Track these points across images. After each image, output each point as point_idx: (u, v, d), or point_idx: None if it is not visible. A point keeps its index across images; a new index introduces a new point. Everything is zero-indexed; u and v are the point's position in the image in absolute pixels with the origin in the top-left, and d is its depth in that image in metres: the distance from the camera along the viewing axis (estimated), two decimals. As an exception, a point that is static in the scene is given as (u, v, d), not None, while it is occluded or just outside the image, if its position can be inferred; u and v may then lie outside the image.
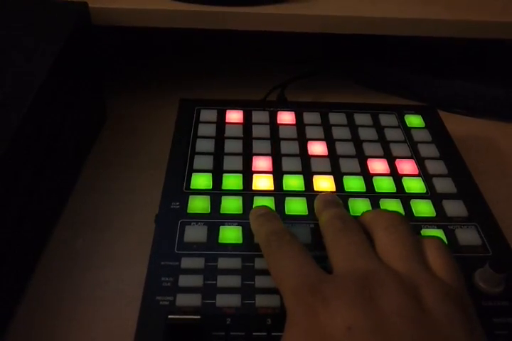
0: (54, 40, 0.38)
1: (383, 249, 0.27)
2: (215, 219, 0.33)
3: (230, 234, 0.32)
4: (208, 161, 0.37)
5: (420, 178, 0.37)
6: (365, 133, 0.41)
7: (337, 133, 0.41)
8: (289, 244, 0.28)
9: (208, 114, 0.42)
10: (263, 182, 0.36)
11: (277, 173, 0.36)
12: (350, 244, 0.27)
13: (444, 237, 0.32)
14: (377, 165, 0.38)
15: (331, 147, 0.39)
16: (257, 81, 0.53)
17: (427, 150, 0.39)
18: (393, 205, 0.34)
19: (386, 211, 0.30)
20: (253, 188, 0.35)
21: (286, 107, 0.43)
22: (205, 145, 0.39)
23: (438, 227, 0.33)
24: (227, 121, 0.41)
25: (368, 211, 0.31)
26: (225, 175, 0.36)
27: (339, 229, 0.28)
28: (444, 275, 0.26)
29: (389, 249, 0.27)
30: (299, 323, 0.24)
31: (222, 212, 0.33)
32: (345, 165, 0.38)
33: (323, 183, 0.36)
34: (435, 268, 0.26)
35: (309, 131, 0.41)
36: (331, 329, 0.22)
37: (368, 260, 0.26)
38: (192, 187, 0.35)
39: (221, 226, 0.32)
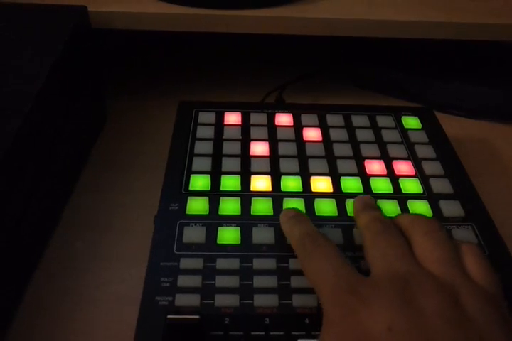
0: (54, 43, 0.38)
1: (422, 253, 0.27)
2: (213, 220, 0.33)
3: (229, 235, 0.32)
4: (206, 163, 0.37)
5: (417, 179, 0.37)
6: (362, 135, 0.41)
7: (334, 134, 0.41)
8: (324, 246, 0.28)
9: (207, 116, 0.42)
10: (261, 183, 0.36)
11: (275, 174, 0.37)
12: (389, 247, 0.27)
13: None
14: (375, 166, 0.38)
15: (328, 148, 0.39)
16: (256, 83, 0.53)
17: (424, 151, 0.40)
18: (390, 206, 0.35)
19: (423, 216, 0.31)
20: (251, 189, 0.36)
21: (284, 109, 0.43)
22: (203, 147, 0.39)
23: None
24: (225, 123, 0.41)
25: (403, 214, 0.32)
26: (224, 177, 0.36)
27: (379, 232, 0.29)
28: (481, 279, 0.26)
29: (427, 254, 0.27)
30: (337, 323, 0.24)
31: (220, 213, 0.34)
32: (342, 166, 0.38)
33: (321, 184, 0.36)
34: (473, 273, 0.26)
35: (307, 133, 0.41)
36: (372, 330, 0.23)
37: (406, 263, 0.26)
38: (191, 188, 0.35)
39: (219, 227, 0.32)
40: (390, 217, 0.31)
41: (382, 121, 0.43)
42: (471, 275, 0.26)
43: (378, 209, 0.32)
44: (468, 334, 0.23)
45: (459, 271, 0.26)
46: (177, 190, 0.35)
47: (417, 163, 0.39)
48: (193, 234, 0.32)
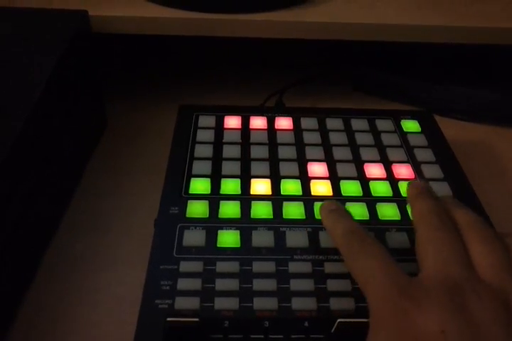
0: (54, 47, 0.38)
1: (477, 258, 0.26)
2: (213, 223, 0.33)
3: (228, 238, 0.32)
4: (206, 166, 0.38)
5: (416, 182, 0.37)
6: (361, 138, 0.41)
7: (334, 138, 0.41)
8: (371, 244, 0.27)
9: (207, 120, 0.42)
10: (261, 187, 0.36)
11: (275, 178, 0.37)
12: (445, 247, 0.26)
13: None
14: (374, 170, 0.38)
15: (328, 152, 0.40)
16: (256, 87, 0.53)
17: (423, 154, 0.40)
18: (390, 209, 0.35)
19: (479, 219, 0.29)
20: (251, 193, 0.36)
21: (284, 113, 0.44)
22: (203, 150, 0.39)
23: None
24: (225, 126, 0.42)
25: (458, 209, 0.30)
26: (224, 180, 0.36)
27: (436, 228, 0.28)
28: None
29: (483, 259, 0.26)
30: (387, 324, 0.24)
31: (220, 216, 0.34)
32: (342, 169, 0.38)
33: (321, 188, 0.36)
34: None
35: (307, 137, 0.41)
36: (425, 331, 0.22)
37: (461, 266, 0.26)
38: (191, 192, 0.36)
39: (219, 231, 0.33)
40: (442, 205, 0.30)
41: (382, 124, 0.43)
42: None
43: (435, 197, 0.30)
44: None
45: (510, 276, 0.25)
46: (177, 194, 0.35)
47: (416, 167, 0.39)
48: (193, 238, 0.32)
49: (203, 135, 0.41)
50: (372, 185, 0.37)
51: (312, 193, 0.36)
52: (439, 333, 0.22)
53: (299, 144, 0.40)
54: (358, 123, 0.43)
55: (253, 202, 0.35)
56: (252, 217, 0.34)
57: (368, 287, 0.26)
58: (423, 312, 0.23)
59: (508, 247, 0.27)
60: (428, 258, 0.26)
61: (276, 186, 0.36)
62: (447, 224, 0.28)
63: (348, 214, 0.30)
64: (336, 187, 0.36)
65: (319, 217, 0.34)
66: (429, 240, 0.27)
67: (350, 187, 0.36)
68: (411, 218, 0.30)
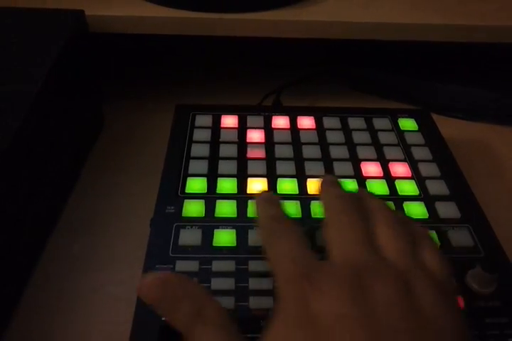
0: (51, 47, 0.38)
1: (383, 241, 0.26)
2: (209, 222, 0.33)
3: (224, 238, 0.32)
4: (202, 166, 0.37)
5: (413, 181, 0.37)
6: (358, 137, 0.41)
7: (331, 137, 0.41)
8: (287, 230, 0.27)
9: (203, 119, 0.42)
10: (257, 186, 0.36)
11: (271, 177, 0.37)
12: (351, 229, 0.26)
13: (436, 238, 0.33)
14: (371, 168, 0.38)
15: (325, 150, 0.39)
16: (253, 86, 0.53)
17: (420, 153, 0.40)
18: (386, 208, 0.35)
19: (389, 205, 0.30)
20: (247, 192, 0.36)
21: (281, 112, 0.44)
22: (200, 149, 0.39)
23: (431, 229, 0.33)
24: (222, 126, 0.42)
25: (369, 195, 0.30)
26: (220, 179, 0.36)
27: (341, 210, 0.28)
28: (436, 272, 0.26)
29: (389, 243, 0.26)
30: (288, 308, 0.24)
31: (216, 215, 0.34)
32: (339, 168, 0.38)
33: (317, 186, 0.36)
34: (429, 266, 0.26)
35: (303, 135, 0.41)
36: (321, 316, 0.22)
37: (366, 249, 0.26)
38: (187, 191, 0.35)
39: (215, 230, 0.33)
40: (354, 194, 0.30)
41: (379, 123, 0.43)
42: (428, 267, 0.26)
43: (342, 186, 0.31)
44: (415, 324, 0.22)
45: (416, 262, 0.26)
46: (173, 193, 0.35)
47: (413, 165, 0.39)
48: (189, 237, 0.32)
49: (199, 134, 0.41)
50: (369, 183, 0.37)
51: (309, 192, 0.36)
52: (335, 318, 0.22)
53: (296, 143, 0.40)
54: (355, 122, 0.43)
55: (249, 201, 0.35)
56: (248, 216, 0.34)
57: (275, 270, 0.25)
58: (321, 295, 0.23)
59: (415, 233, 0.27)
60: (332, 241, 0.26)
61: (272, 185, 0.36)
62: (352, 208, 0.28)
63: (278, 204, 0.30)
64: (332, 186, 0.36)
65: (316, 216, 0.34)
66: (333, 223, 0.27)
67: (347, 186, 0.36)
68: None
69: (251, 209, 0.34)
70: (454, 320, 0.23)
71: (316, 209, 0.34)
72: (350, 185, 0.36)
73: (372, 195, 0.31)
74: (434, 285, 0.24)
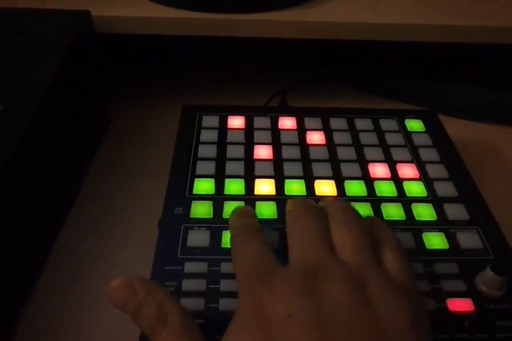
0: (57, 48, 0.38)
1: (338, 241, 0.27)
2: (217, 223, 0.33)
3: (233, 239, 0.32)
4: (210, 167, 0.37)
5: (421, 182, 0.37)
6: (366, 138, 0.41)
7: (338, 138, 0.41)
8: (251, 237, 0.28)
9: (210, 120, 0.42)
10: (265, 187, 0.36)
11: (279, 178, 0.37)
12: (307, 233, 0.28)
13: (445, 241, 0.33)
14: (379, 170, 0.38)
15: (332, 152, 0.39)
16: (259, 87, 0.53)
17: (428, 154, 0.40)
18: (394, 209, 0.35)
19: (347, 205, 0.31)
20: (255, 193, 0.36)
21: (288, 113, 0.43)
22: (207, 150, 0.39)
23: (439, 231, 0.33)
24: (229, 126, 0.41)
25: (331, 202, 0.31)
26: (227, 180, 0.36)
27: (299, 217, 0.29)
28: (394, 270, 0.26)
29: (342, 241, 0.27)
30: (244, 310, 0.24)
31: (224, 216, 0.34)
32: (346, 169, 0.38)
33: (325, 188, 0.36)
34: (386, 264, 0.26)
35: (310, 136, 0.41)
36: (272, 316, 0.23)
37: (320, 250, 0.26)
38: (195, 192, 0.35)
39: (223, 231, 0.32)
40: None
41: (386, 124, 0.43)
42: (384, 265, 0.26)
43: (308, 200, 0.32)
44: (368, 324, 0.23)
45: (371, 260, 0.26)
46: (181, 194, 0.35)
47: (421, 166, 0.39)
48: (198, 238, 0.32)
49: (206, 135, 0.40)
50: (376, 185, 0.37)
51: (316, 193, 0.36)
52: (286, 318, 0.23)
53: (303, 144, 0.40)
54: (362, 123, 0.42)
55: (257, 203, 0.35)
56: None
57: (236, 274, 0.27)
58: (274, 297, 0.24)
59: (378, 234, 0.28)
60: (293, 246, 0.27)
61: (280, 186, 0.36)
62: (311, 213, 0.29)
63: (251, 216, 0.31)
64: (340, 187, 0.36)
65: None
66: (292, 229, 0.28)
67: (355, 187, 0.36)
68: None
69: (259, 211, 0.34)
70: (409, 322, 0.23)
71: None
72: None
73: (337, 202, 0.32)
74: (390, 287, 0.24)
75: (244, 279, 0.26)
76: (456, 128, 0.45)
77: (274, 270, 0.26)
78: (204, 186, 0.36)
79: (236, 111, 0.43)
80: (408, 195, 0.36)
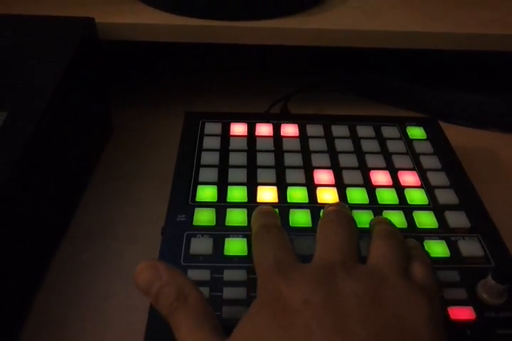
0: (61, 55, 0.38)
1: (372, 250, 0.28)
2: (220, 231, 0.33)
3: (236, 246, 0.32)
4: (213, 174, 0.38)
5: (422, 190, 0.37)
6: (367, 145, 0.41)
7: (340, 145, 0.41)
8: (273, 234, 0.29)
9: (213, 127, 0.42)
10: (267, 194, 0.36)
11: (281, 185, 0.37)
12: (334, 235, 0.28)
13: (446, 249, 0.33)
14: (380, 177, 0.38)
15: (334, 159, 0.40)
16: (261, 94, 0.53)
17: (429, 161, 0.40)
18: (396, 217, 0.35)
19: (390, 222, 0.32)
20: (258, 200, 0.36)
21: (290, 120, 0.44)
22: (210, 157, 0.39)
23: (440, 238, 0.33)
24: (231, 133, 0.42)
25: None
26: (230, 188, 0.36)
27: (331, 220, 0.30)
28: (417, 281, 0.27)
29: (376, 250, 0.28)
30: (262, 299, 0.25)
31: (227, 224, 0.34)
32: (348, 177, 0.38)
33: (327, 195, 0.36)
34: (412, 275, 0.27)
35: (312, 143, 0.41)
36: (289, 302, 0.24)
37: (343, 252, 0.27)
38: (197, 199, 0.36)
39: (226, 239, 0.33)
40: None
41: (387, 131, 0.43)
42: (411, 276, 0.27)
43: (346, 207, 0.33)
44: (383, 314, 0.23)
45: (397, 268, 0.27)
46: (184, 201, 0.35)
47: (422, 174, 0.39)
48: (200, 246, 0.32)
49: (209, 142, 0.41)
50: (378, 192, 0.37)
51: (319, 201, 0.36)
52: (302, 302, 0.24)
53: (305, 151, 0.40)
54: (364, 130, 0.43)
55: (260, 210, 0.35)
56: (259, 224, 0.34)
57: (256, 269, 0.28)
58: (291, 286, 0.25)
59: (407, 247, 0.29)
60: (317, 248, 0.28)
61: (282, 193, 0.36)
62: (344, 218, 0.30)
63: (273, 215, 0.32)
64: (342, 195, 0.36)
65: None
66: (321, 232, 0.29)
67: (357, 195, 0.36)
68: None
69: (261, 218, 0.34)
70: (428, 317, 0.24)
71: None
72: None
73: (384, 221, 0.33)
74: (408, 285, 0.25)
75: (263, 272, 0.27)
76: (457, 135, 0.45)
77: (294, 265, 0.27)
78: (207, 193, 0.36)
79: (238, 118, 0.43)
80: (409, 202, 0.36)
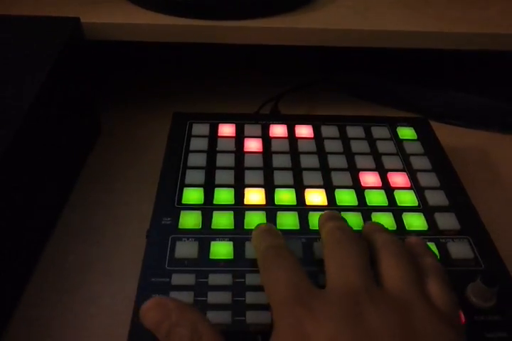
0: (47, 55, 0.38)
1: (384, 271, 0.27)
2: (206, 234, 0.33)
3: (221, 250, 0.32)
4: (199, 175, 0.37)
5: (412, 191, 0.37)
6: (357, 146, 0.41)
7: (329, 146, 0.41)
8: (284, 258, 0.28)
9: (201, 128, 0.42)
10: (255, 196, 0.36)
11: (269, 187, 0.36)
12: (348, 257, 0.27)
13: (436, 250, 0.32)
14: (369, 178, 0.38)
15: (323, 160, 0.39)
16: (250, 94, 0.53)
17: (419, 162, 0.39)
18: (385, 219, 0.34)
19: (394, 236, 0.30)
20: (245, 203, 0.35)
21: (279, 120, 0.43)
22: (197, 159, 0.39)
23: (430, 241, 0.33)
24: (219, 134, 0.41)
25: (375, 229, 0.31)
26: (217, 190, 0.36)
27: (338, 240, 0.28)
28: (439, 300, 0.26)
29: (389, 271, 0.27)
30: (284, 334, 0.24)
31: (213, 227, 0.33)
32: (337, 178, 0.38)
33: (315, 197, 0.36)
34: (432, 294, 0.26)
35: (301, 144, 0.41)
36: (313, 337, 0.23)
37: (364, 276, 0.26)
38: (183, 202, 0.35)
39: (212, 242, 0.32)
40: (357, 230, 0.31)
41: (377, 132, 0.42)
42: (429, 295, 0.26)
43: (343, 220, 0.32)
44: None
45: (417, 290, 0.26)
46: (170, 204, 0.35)
47: (412, 175, 0.38)
48: (186, 249, 0.32)
49: (196, 143, 0.40)
50: (367, 194, 0.36)
51: (306, 203, 0.35)
52: (328, 338, 0.22)
53: (294, 152, 0.40)
54: (354, 131, 0.42)
55: (247, 212, 0.34)
56: (245, 227, 0.33)
57: (272, 298, 0.26)
58: (316, 321, 0.23)
59: (424, 264, 0.28)
60: (330, 270, 0.27)
61: (270, 195, 0.36)
62: (351, 237, 0.29)
63: (278, 235, 0.31)
64: (330, 197, 0.36)
65: (314, 228, 0.33)
66: (332, 252, 0.28)
67: (345, 197, 0.36)
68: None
69: (248, 221, 0.34)
70: None
71: (314, 220, 0.34)
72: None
73: (380, 227, 0.31)
74: (434, 314, 0.24)
75: (280, 301, 0.25)
76: (448, 135, 0.45)
77: (312, 293, 0.25)
78: (193, 195, 0.35)
79: (227, 119, 0.43)
80: (399, 204, 0.36)
